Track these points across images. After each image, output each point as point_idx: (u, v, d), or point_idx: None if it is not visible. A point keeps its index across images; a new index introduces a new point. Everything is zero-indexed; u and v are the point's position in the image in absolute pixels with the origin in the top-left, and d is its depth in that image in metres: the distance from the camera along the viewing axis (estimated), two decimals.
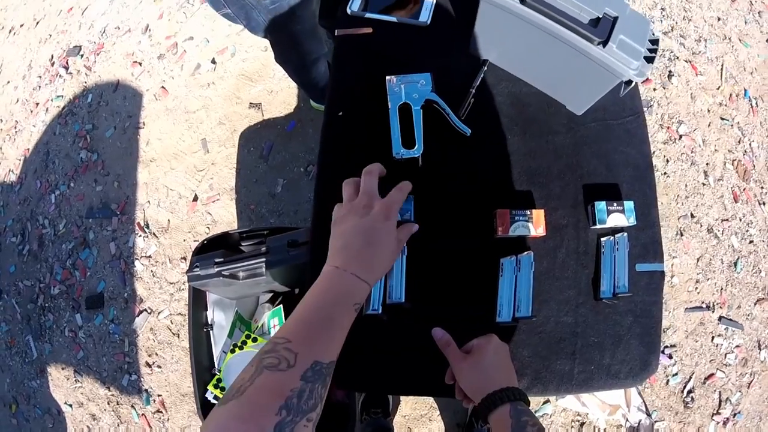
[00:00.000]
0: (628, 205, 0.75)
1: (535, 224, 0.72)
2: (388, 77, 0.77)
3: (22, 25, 2.38)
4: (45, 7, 2.37)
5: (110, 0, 2.21)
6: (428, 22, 0.85)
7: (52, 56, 2.20)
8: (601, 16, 0.68)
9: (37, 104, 2.12)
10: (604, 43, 0.66)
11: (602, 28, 0.67)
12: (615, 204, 0.75)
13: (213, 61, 1.98)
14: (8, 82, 2.25)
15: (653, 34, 0.70)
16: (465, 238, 0.74)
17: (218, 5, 1.06)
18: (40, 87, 2.16)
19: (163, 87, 1.98)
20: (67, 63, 2.14)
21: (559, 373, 0.71)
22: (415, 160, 0.74)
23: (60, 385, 1.69)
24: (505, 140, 0.79)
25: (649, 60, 0.68)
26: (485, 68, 0.81)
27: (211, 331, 1.27)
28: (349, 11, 0.86)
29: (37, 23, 2.34)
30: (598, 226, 0.75)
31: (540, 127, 0.81)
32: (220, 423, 0.39)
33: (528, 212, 0.72)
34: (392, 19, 0.85)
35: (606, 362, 0.72)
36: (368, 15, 0.85)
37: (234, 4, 1.03)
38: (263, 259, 1.08)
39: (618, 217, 0.75)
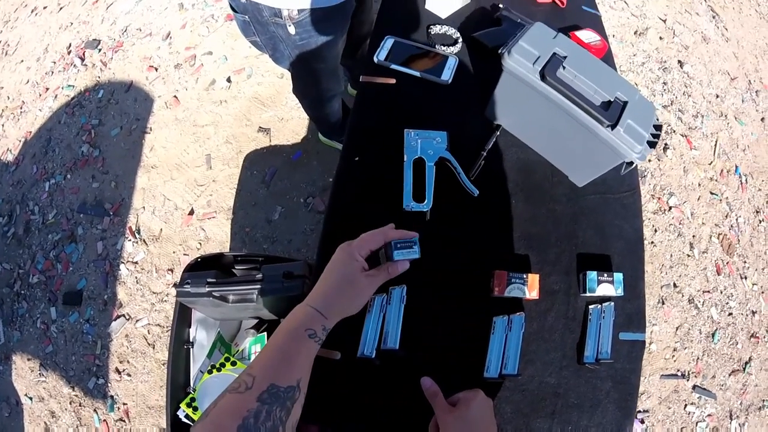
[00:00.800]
0: (618, 276, 0.79)
1: (530, 288, 0.74)
2: (406, 130, 0.80)
3: (45, 8, 2.39)
4: None
5: (137, 1, 2.25)
6: (450, 80, 0.89)
7: (70, 45, 2.20)
8: (612, 100, 0.72)
9: (47, 89, 2.11)
10: (613, 126, 0.71)
11: (612, 112, 0.71)
12: (605, 275, 0.78)
13: (228, 80, 2.01)
14: (22, 61, 2.24)
15: (657, 120, 0.75)
16: (462, 294, 0.76)
17: (248, 32, 1.08)
18: (53, 72, 2.15)
19: (175, 96, 2.00)
20: (83, 54, 2.15)
21: (538, 431, 0.72)
22: (423, 214, 0.76)
23: (23, 376, 1.63)
24: (509, 204, 0.82)
25: (652, 145, 0.72)
26: (498, 133, 0.85)
27: (191, 349, 1.25)
28: (375, 60, 0.90)
29: (61, 8, 2.36)
30: (588, 294, 0.78)
31: (543, 195, 0.85)
32: None
33: (524, 276, 0.74)
34: (416, 73, 0.89)
35: (583, 424, 0.73)
36: (393, 66, 0.89)
37: (264, 33, 1.06)
38: (257, 287, 1.08)
39: (607, 287, 0.78)
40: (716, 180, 1.90)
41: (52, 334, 1.67)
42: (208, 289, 1.08)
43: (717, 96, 2.08)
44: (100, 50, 2.15)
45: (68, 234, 1.79)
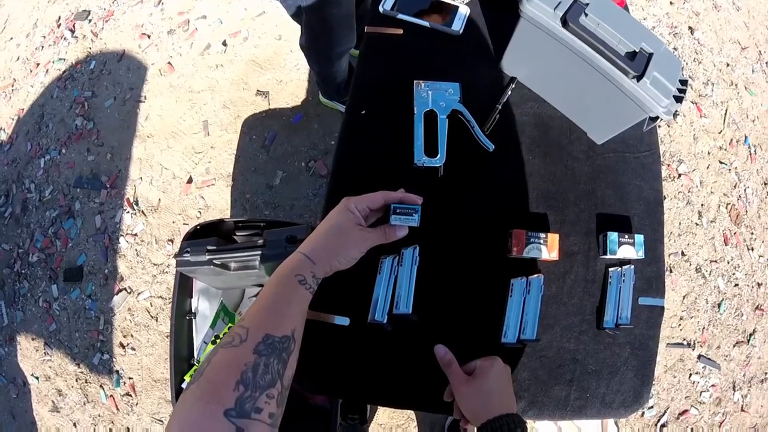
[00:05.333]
0: (639, 238, 0.75)
1: (549, 248, 0.71)
2: (416, 81, 0.76)
3: None
4: None
5: None
6: (461, 31, 0.84)
7: (59, 17, 2.12)
8: (637, 51, 0.68)
9: (38, 64, 2.04)
10: (639, 78, 0.67)
11: (638, 63, 0.67)
12: (626, 236, 0.75)
13: (224, 43, 1.94)
14: (11, 38, 2.16)
15: (683, 75, 0.71)
16: (478, 255, 0.73)
17: None
18: (43, 47, 2.08)
19: (169, 63, 1.93)
20: (73, 26, 2.07)
21: (556, 399, 0.71)
22: (436, 170, 0.72)
23: (28, 356, 1.63)
24: (526, 161, 0.79)
25: (679, 99, 0.68)
26: (513, 85, 0.81)
27: (193, 320, 1.23)
28: (381, 9, 0.85)
29: None
30: (608, 257, 0.75)
31: (560, 152, 0.81)
32: (186, 407, 0.40)
33: (543, 235, 0.71)
34: (425, 23, 0.84)
35: (601, 391, 0.72)
36: (401, 16, 0.84)
37: None
38: (259, 252, 1.05)
39: (628, 250, 0.75)
40: (725, 149, 1.86)
41: (55, 312, 1.66)
42: (208, 257, 1.04)
43: (727, 65, 2.01)
44: (90, 21, 2.07)
45: (66, 210, 1.76)
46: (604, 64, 0.68)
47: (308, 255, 0.52)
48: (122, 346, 1.60)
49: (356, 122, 0.78)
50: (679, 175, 1.79)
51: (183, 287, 1.22)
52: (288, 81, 1.87)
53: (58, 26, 2.10)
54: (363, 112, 0.77)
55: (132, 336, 1.60)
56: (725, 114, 1.91)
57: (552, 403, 0.70)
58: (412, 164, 0.72)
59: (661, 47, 0.70)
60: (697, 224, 1.75)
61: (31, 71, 2.04)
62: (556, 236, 0.72)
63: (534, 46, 0.74)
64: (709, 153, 1.84)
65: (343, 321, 0.70)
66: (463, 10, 0.85)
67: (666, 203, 1.75)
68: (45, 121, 1.91)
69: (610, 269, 0.76)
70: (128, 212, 1.72)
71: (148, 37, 1.98)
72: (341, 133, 0.78)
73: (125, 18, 2.04)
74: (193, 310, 1.24)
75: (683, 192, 1.77)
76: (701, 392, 1.59)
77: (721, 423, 1.56)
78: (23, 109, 1.97)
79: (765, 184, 1.86)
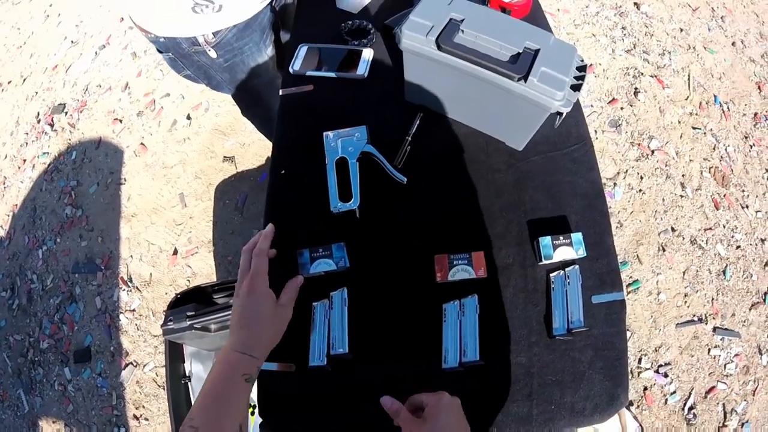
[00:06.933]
0: (576, 237, 0.74)
1: (476, 267, 0.71)
2: (325, 133, 0.79)
3: (9, 82, 2.47)
4: (32, 64, 2.46)
5: (92, 58, 2.30)
6: (365, 75, 0.87)
7: (38, 113, 2.27)
8: (521, 52, 0.68)
9: (24, 160, 2.18)
10: (525, 78, 0.66)
11: (522, 64, 0.67)
12: (561, 237, 0.74)
13: (188, 117, 2.05)
14: None
15: (581, 61, 0.70)
16: (408, 286, 0.74)
17: (178, 68, 1.09)
18: (27, 143, 2.22)
19: (142, 143, 2.04)
20: (52, 120, 2.21)
21: (517, 416, 0.69)
22: (353, 213, 0.75)
23: None
24: (443, 185, 0.80)
25: (576, 88, 0.67)
26: (421, 115, 0.83)
27: (189, 383, 1.27)
28: (291, 71, 0.89)
29: (24, 80, 2.43)
30: (545, 262, 0.74)
31: (479, 167, 0.82)
32: None
33: (467, 255, 0.72)
34: (331, 74, 0.88)
35: (567, 400, 0.69)
36: (309, 73, 0.88)
37: (191, 65, 1.06)
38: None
39: (566, 251, 0.73)
40: (696, 114, 1.83)
41: (70, 394, 1.71)
42: (189, 323, 1.10)
43: (681, 30, 2.00)
44: (66, 113, 2.21)
45: (68, 295, 1.84)
46: (488, 74, 0.68)
47: (251, 354, 0.55)
48: (136, 417, 1.64)
49: (279, 182, 0.82)
50: (653, 152, 1.77)
51: (174, 353, 1.27)
52: (250, 143, 1.96)
53: (38, 122, 2.24)
54: (282, 172, 0.81)
55: (144, 407, 1.64)
56: (689, 79, 1.89)
57: (513, 422, 0.69)
58: (331, 212, 0.75)
59: (550, 40, 0.69)
60: (682, 196, 1.71)
61: (19, 167, 2.17)
62: (481, 253, 0.72)
63: (423, 73, 0.76)
64: (679, 122, 1.82)
65: (290, 368, 0.71)
66: (367, 54, 0.89)
67: (644, 182, 1.73)
68: (38, 214, 2.02)
69: (551, 274, 0.74)
70: (124, 290, 1.79)
71: (120, 121, 2.10)
72: (267, 196, 0.81)
73: (97, 106, 2.17)
74: (187, 374, 1.28)
75: (660, 167, 1.74)
76: (725, 365, 1.52)
77: (754, 390, 1.48)
78: (17, 205, 2.09)
79: (746, 137, 1.82)
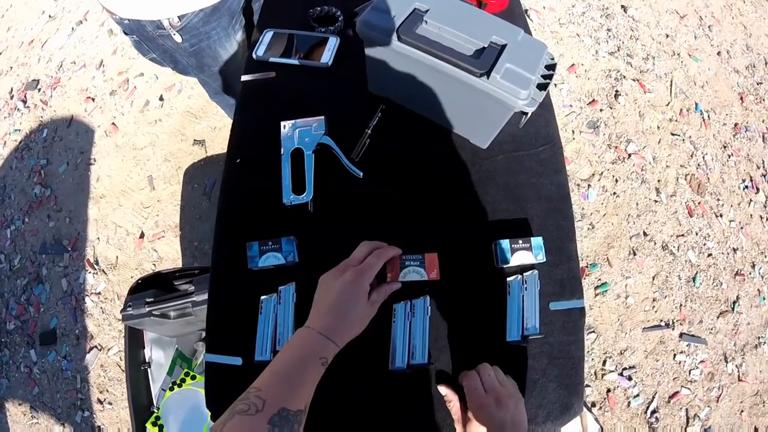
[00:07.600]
0: (536, 241, 0.72)
1: (429, 268, 0.70)
2: (282, 122, 0.77)
3: None
4: (8, 38, 2.38)
5: (69, 34, 2.23)
6: (330, 63, 0.85)
7: (12, 89, 2.20)
8: (486, 46, 0.65)
9: None
10: (487, 74, 0.64)
11: (485, 59, 0.64)
12: (520, 241, 0.72)
13: (161, 98, 2.00)
14: None
15: (551, 59, 0.67)
16: None
17: (144, 50, 1.06)
18: None
19: (113, 123, 1.98)
20: (25, 97, 2.14)
21: None
22: (306, 206, 0.73)
23: (18, 421, 1.66)
24: (402, 181, 0.78)
25: (542, 87, 0.65)
26: (383, 107, 0.81)
27: (149, 369, 1.26)
28: (254, 56, 0.87)
29: (0, 54, 2.35)
30: (504, 266, 0.72)
31: (440, 165, 0.80)
32: None
33: (420, 256, 0.70)
34: (294, 62, 0.85)
35: None
36: (272, 59, 0.86)
37: (157, 49, 1.03)
38: (191, 299, 1.09)
39: (524, 255, 0.72)
40: (676, 120, 1.83)
41: (36, 376, 1.69)
42: (147, 309, 1.10)
43: (667, 36, 2.00)
44: (39, 90, 2.14)
45: (34, 276, 1.80)
46: (450, 68, 0.65)
47: (334, 340, 0.54)
48: (100, 402, 1.62)
49: (234, 170, 0.79)
50: (629, 156, 1.77)
51: (133, 339, 1.25)
52: (221, 127, 1.92)
53: (11, 98, 2.17)
54: (238, 161, 0.78)
55: (107, 391, 1.63)
56: (671, 85, 1.89)
57: None
58: (283, 204, 0.73)
59: (519, 36, 0.67)
60: (656, 201, 1.72)
61: None
62: (435, 255, 0.70)
63: (386, 65, 0.73)
64: (658, 127, 1.82)
65: (236, 361, 0.70)
66: (333, 42, 0.86)
67: (619, 186, 1.73)
68: (7, 192, 1.97)
69: (509, 279, 0.72)
70: (90, 272, 1.75)
71: (93, 100, 2.04)
72: (222, 182, 0.79)
73: (71, 83, 2.11)
74: (147, 360, 1.27)
75: (636, 171, 1.75)
76: (690, 371, 1.55)
77: (718, 397, 1.51)
78: None
79: (724, 147, 1.83)
